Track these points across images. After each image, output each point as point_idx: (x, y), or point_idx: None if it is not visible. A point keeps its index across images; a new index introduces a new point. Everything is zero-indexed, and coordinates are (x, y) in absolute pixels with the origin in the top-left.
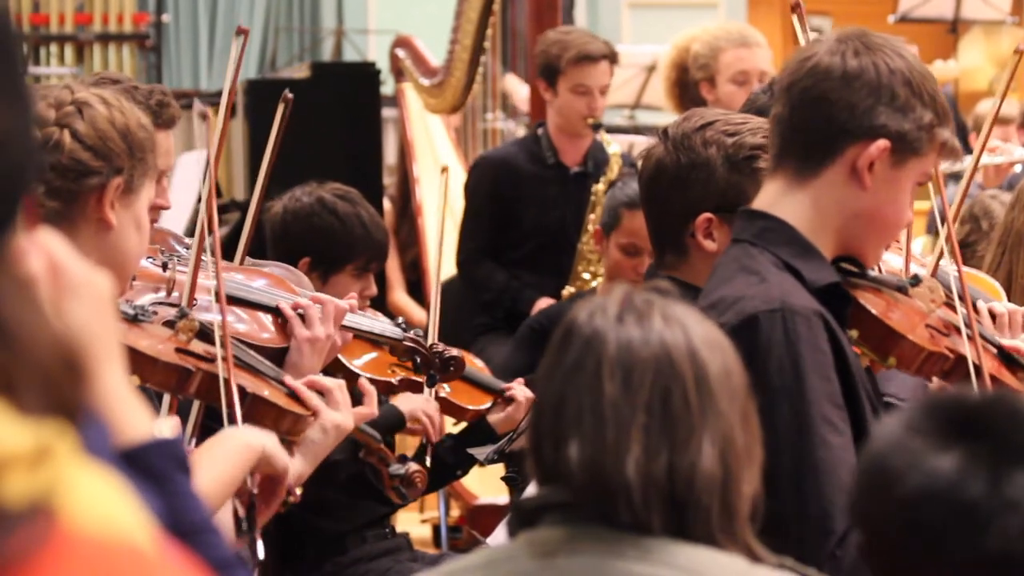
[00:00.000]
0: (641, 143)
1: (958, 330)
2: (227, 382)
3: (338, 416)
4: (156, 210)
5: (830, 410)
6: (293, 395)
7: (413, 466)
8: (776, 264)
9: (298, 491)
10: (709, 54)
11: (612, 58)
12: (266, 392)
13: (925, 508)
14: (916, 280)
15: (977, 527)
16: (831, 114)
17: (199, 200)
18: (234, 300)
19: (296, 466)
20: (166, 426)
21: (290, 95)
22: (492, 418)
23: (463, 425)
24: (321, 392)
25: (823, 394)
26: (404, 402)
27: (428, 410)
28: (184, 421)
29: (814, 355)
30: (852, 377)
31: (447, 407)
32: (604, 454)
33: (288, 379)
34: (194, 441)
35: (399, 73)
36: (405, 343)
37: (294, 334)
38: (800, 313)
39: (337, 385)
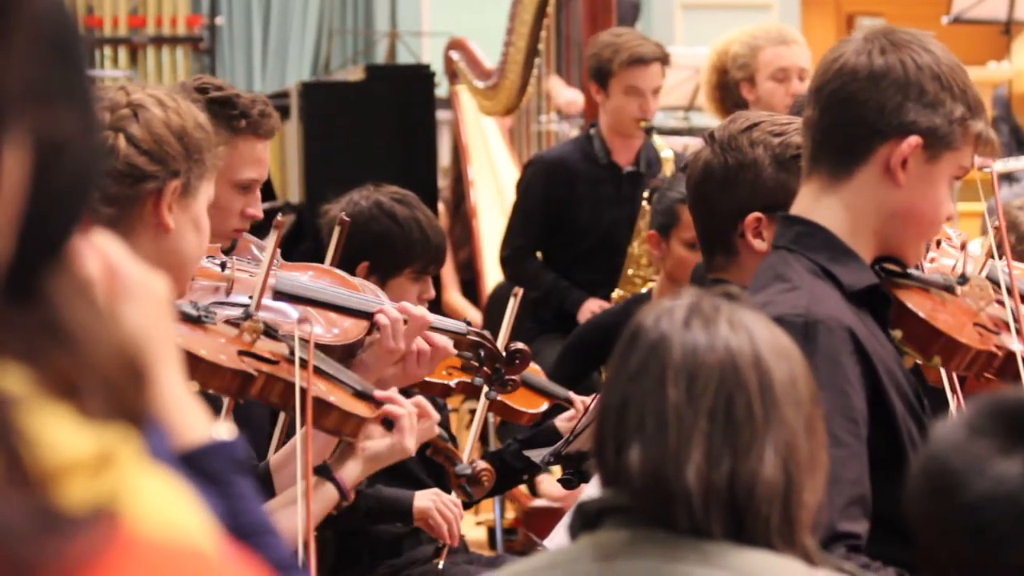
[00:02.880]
0: (695, 145)
1: (1008, 327)
2: (304, 392)
3: (407, 440)
4: (248, 219)
5: (837, 422)
6: (360, 394)
7: (480, 464)
8: (811, 270)
9: (352, 495)
10: (748, 53)
11: (664, 60)
12: (330, 396)
13: (991, 513)
14: (964, 279)
15: None
16: (860, 114)
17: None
18: (317, 303)
19: (354, 471)
20: (224, 428)
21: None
22: (560, 423)
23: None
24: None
25: (832, 406)
26: (422, 498)
27: (446, 512)
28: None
29: (829, 366)
30: (882, 386)
31: (504, 411)
32: (665, 459)
33: (377, 393)
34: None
35: (453, 75)
36: (470, 336)
37: (381, 341)
38: (824, 323)
39: (409, 412)
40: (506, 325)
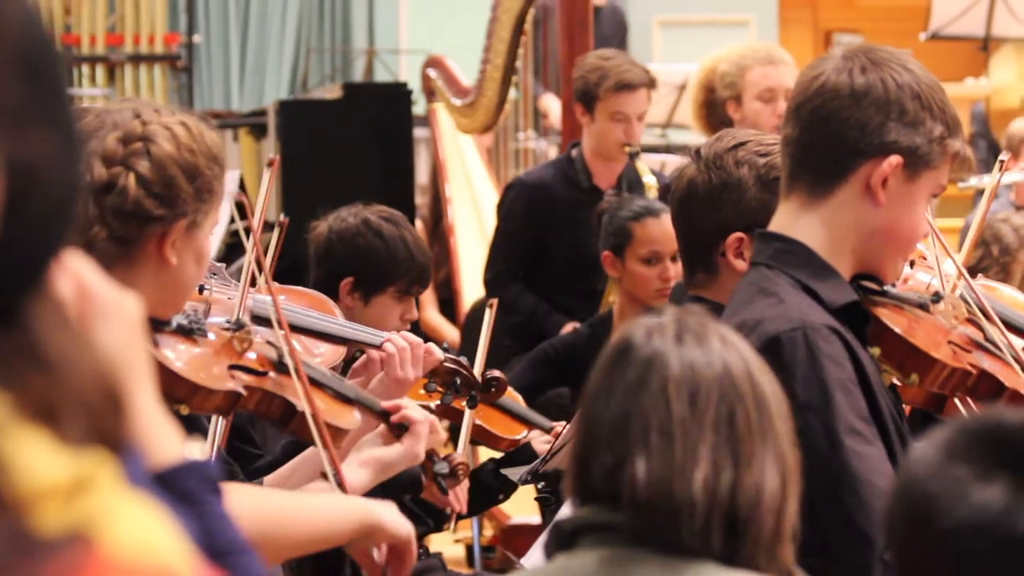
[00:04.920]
0: (673, 162)
1: (980, 346)
2: (313, 417)
3: (419, 447)
4: None
5: (857, 422)
6: (343, 398)
7: (457, 457)
8: (793, 285)
9: None
10: (735, 72)
11: (651, 85)
12: (314, 406)
13: (972, 541)
14: (938, 297)
15: None
16: (841, 133)
17: (232, 220)
18: (318, 334)
19: (363, 478)
20: (197, 448)
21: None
22: (538, 446)
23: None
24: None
25: (849, 407)
26: None
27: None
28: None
29: (837, 370)
30: (874, 394)
31: (482, 434)
32: (672, 473)
33: (387, 404)
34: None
35: (431, 93)
36: (446, 364)
37: (388, 371)
38: (820, 330)
39: (425, 418)
40: (484, 340)
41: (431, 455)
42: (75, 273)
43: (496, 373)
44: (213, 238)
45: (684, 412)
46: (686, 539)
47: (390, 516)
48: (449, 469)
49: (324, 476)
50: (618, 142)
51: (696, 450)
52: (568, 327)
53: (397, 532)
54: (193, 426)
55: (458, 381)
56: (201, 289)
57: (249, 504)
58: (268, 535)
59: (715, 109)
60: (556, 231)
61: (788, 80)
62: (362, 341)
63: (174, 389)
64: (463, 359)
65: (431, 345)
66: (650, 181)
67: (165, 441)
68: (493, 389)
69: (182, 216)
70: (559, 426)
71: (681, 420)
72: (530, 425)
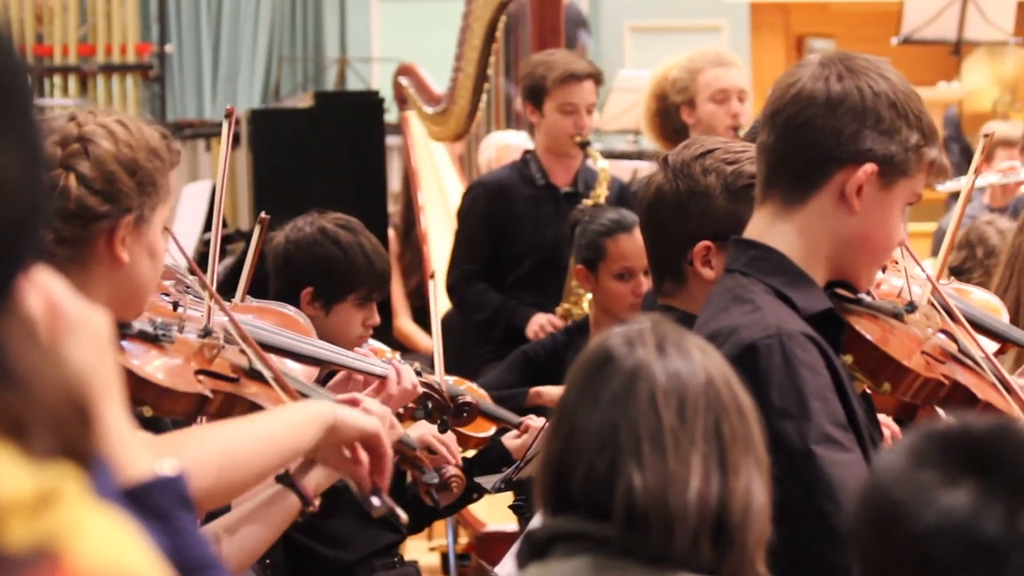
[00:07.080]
0: (645, 168)
1: (954, 357)
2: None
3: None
4: None
5: (834, 430)
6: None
7: (451, 470)
8: (768, 293)
9: (317, 501)
10: (688, 77)
11: (597, 78)
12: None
13: (939, 545)
14: (912, 307)
15: (993, 564)
16: (817, 141)
17: (205, 230)
18: (288, 354)
19: (316, 477)
20: (167, 464)
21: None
22: (509, 443)
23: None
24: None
25: (825, 415)
26: (415, 429)
27: (440, 437)
28: None
29: (813, 377)
30: (849, 401)
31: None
32: (666, 482)
33: (342, 397)
34: None
35: (403, 101)
36: (419, 389)
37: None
38: (796, 337)
39: (383, 412)
40: (437, 351)
41: (420, 467)
42: (44, 289)
43: (467, 399)
44: (186, 247)
45: (674, 422)
46: (677, 548)
47: (346, 411)
48: (440, 480)
49: (278, 479)
50: (569, 134)
51: (688, 459)
52: (536, 317)
53: (360, 424)
54: (157, 428)
55: (430, 405)
56: (176, 306)
57: (212, 446)
58: (239, 466)
59: (669, 117)
60: (516, 228)
61: (740, 81)
62: (335, 363)
63: (139, 392)
64: (435, 382)
65: (406, 374)
66: (603, 165)
67: (135, 456)
68: (464, 414)
69: (127, 212)
70: (527, 420)
71: (672, 430)
72: (499, 422)
